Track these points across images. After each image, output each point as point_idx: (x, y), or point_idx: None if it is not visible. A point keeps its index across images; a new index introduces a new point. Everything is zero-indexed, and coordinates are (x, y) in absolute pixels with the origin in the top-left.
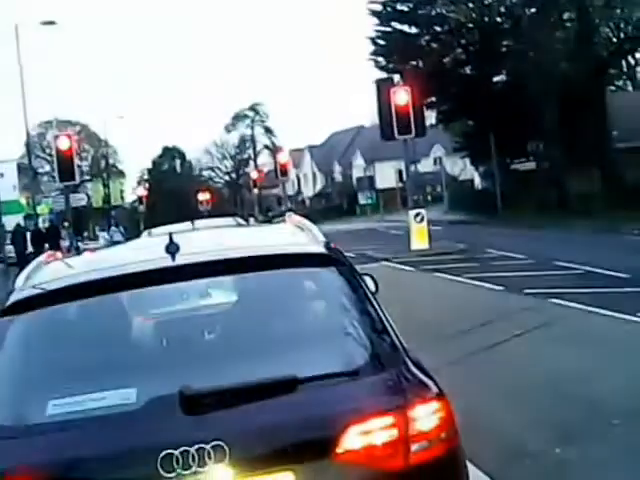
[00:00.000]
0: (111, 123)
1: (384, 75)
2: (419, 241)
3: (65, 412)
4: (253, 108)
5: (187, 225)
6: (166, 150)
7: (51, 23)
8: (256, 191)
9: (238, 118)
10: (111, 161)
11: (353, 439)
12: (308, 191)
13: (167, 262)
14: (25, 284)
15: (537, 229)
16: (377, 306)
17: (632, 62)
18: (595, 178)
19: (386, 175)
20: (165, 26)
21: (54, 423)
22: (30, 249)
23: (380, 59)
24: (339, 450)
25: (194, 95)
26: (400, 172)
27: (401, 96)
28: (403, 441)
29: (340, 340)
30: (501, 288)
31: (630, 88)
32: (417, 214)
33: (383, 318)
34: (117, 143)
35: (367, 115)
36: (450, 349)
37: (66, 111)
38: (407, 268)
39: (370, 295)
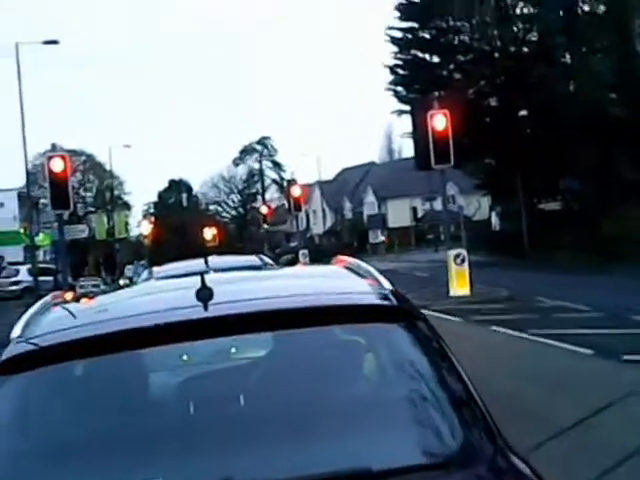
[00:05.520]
0: (117, 153)
1: (401, 107)
2: (459, 286)
3: None
4: (261, 142)
5: (199, 263)
6: (172, 183)
7: (53, 42)
8: (265, 227)
9: (246, 152)
10: (116, 193)
11: None
12: (318, 228)
13: (199, 312)
14: (23, 334)
15: (578, 274)
16: (463, 373)
17: None
18: (632, 219)
19: (398, 213)
20: (174, 56)
21: None
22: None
23: (399, 89)
24: None
25: (202, 127)
26: (415, 210)
27: (439, 121)
28: None
29: (420, 419)
30: (588, 351)
31: None
32: (457, 255)
33: (472, 389)
34: (123, 174)
35: (378, 151)
36: (582, 458)
37: (71, 141)
38: (453, 319)
39: (454, 359)
